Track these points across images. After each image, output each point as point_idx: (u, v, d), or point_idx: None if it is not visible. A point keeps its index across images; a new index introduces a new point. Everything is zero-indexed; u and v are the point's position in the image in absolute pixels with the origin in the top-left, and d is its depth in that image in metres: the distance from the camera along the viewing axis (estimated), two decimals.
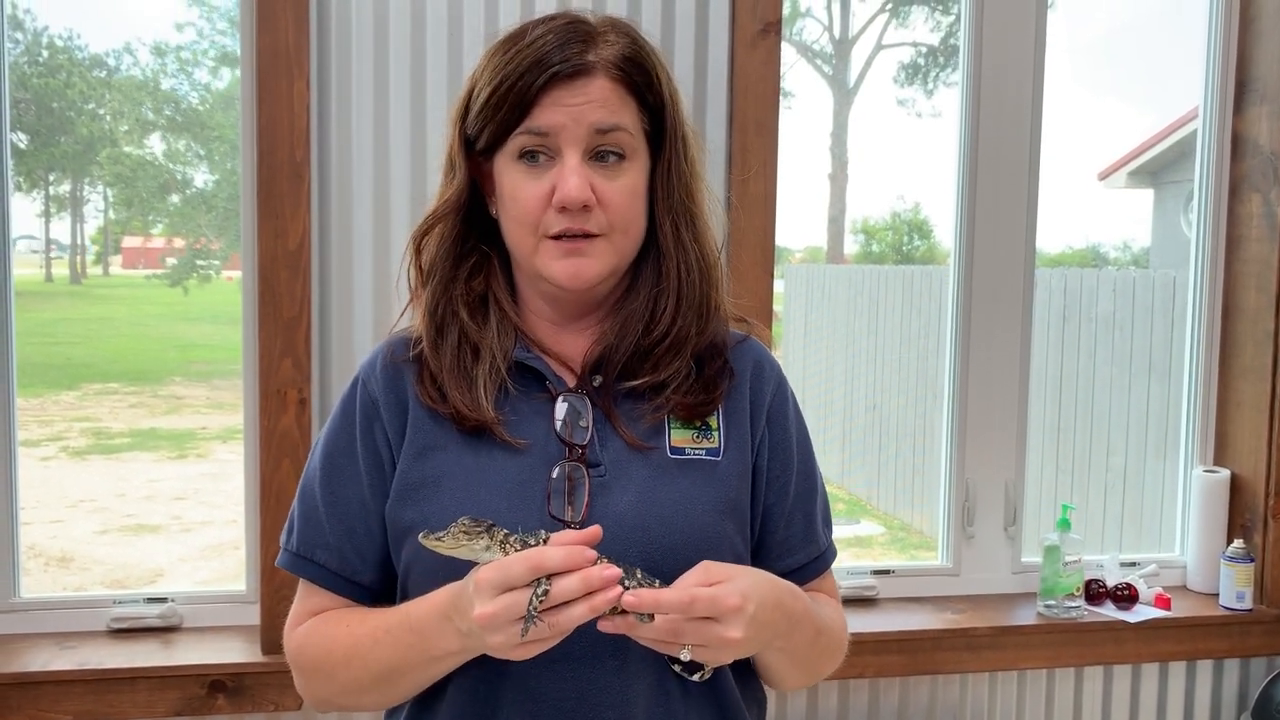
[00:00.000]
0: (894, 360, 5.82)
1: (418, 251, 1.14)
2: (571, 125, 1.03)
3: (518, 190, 1.06)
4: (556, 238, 1.05)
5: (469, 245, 1.13)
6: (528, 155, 1.05)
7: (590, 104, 1.03)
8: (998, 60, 2.32)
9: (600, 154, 1.05)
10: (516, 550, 0.92)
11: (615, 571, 0.91)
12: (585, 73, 1.03)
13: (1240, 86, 2.41)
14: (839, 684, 2.23)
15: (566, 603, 0.89)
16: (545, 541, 0.93)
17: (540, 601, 0.89)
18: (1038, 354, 2.49)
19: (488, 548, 0.94)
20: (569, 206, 1.03)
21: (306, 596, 1.12)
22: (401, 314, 1.19)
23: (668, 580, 0.97)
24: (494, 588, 0.90)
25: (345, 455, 1.11)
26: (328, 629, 1.08)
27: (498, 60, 1.05)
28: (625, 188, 1.06)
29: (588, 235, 1.05)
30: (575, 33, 1.04)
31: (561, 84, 1.03)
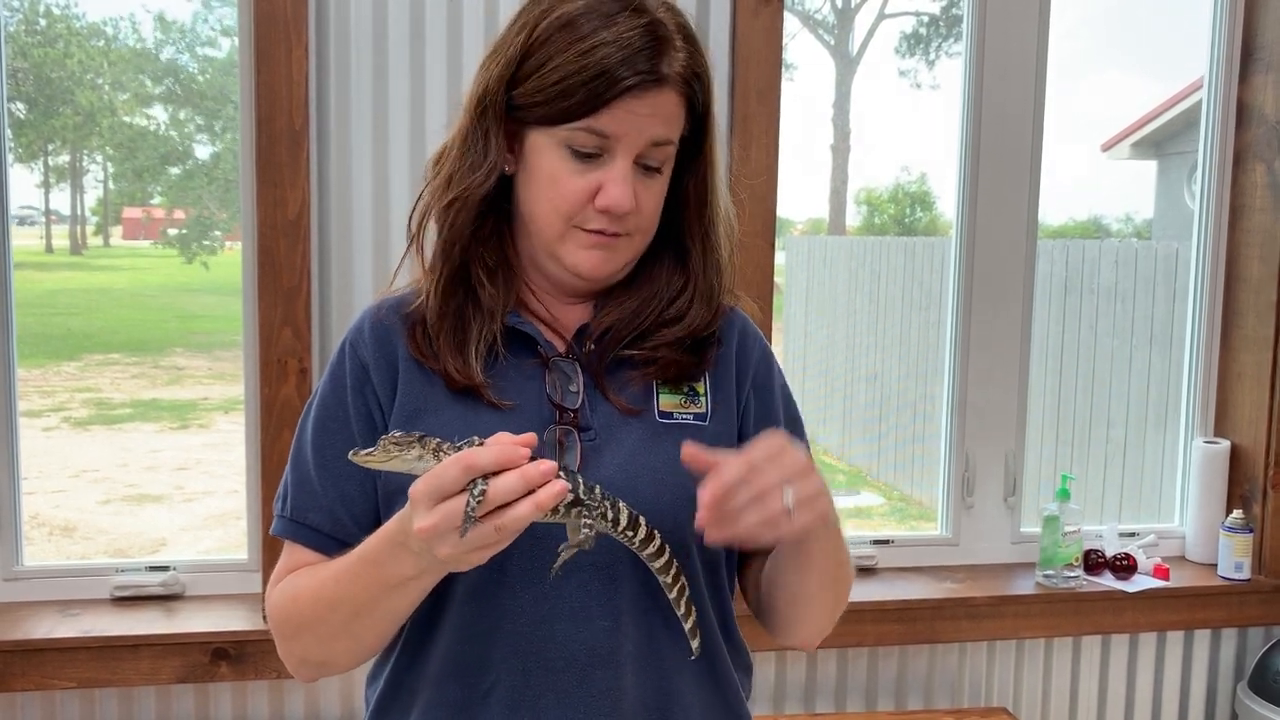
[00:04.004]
0: (895, 332, 5.82)
1: (442, 224, 1.09)
2: (634, 135, 1.03)
3: (561, 179, 1.04)
4: (591, 231, 1.05)
5: (486, 209, 1.11)
6: (581, 153, 1.03)
7: (655, 118, 1.03)
8: (1001, 30, 2.30)
9: (645, 167, 1.05)
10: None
11: (551, 464, 0.88)
12: (658, 85, 1.02)
13: (1246, 54, 2.40)
14: (837, 652, 2.24)
15: (511, 504, 0.87)
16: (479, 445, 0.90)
17: (478, 502, 0.86)
18: (1039, 325, 2.49)
19: (420, 457, 0.90)
20: (614, 212, 1.04)
21: (290, 555, 1.12)
22: (395, 273, 1.18)
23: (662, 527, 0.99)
24: (430, 497, 0.88)
25: (337, 420, 1.11)
26: (297, 580, 1.08)
27: (576, 42, 1.01)
28: (658, 194, 1.08)
29: (618, 234, 1.06)
30: (655, 37, 1.02)
31: (636, 93, 1.01)
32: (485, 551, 0.90)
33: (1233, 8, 2.39)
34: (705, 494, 0.92)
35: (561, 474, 0.91)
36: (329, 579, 1.03)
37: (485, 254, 1.10)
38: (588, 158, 1.03)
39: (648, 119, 1.02)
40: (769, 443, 0.95)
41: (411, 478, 0.91)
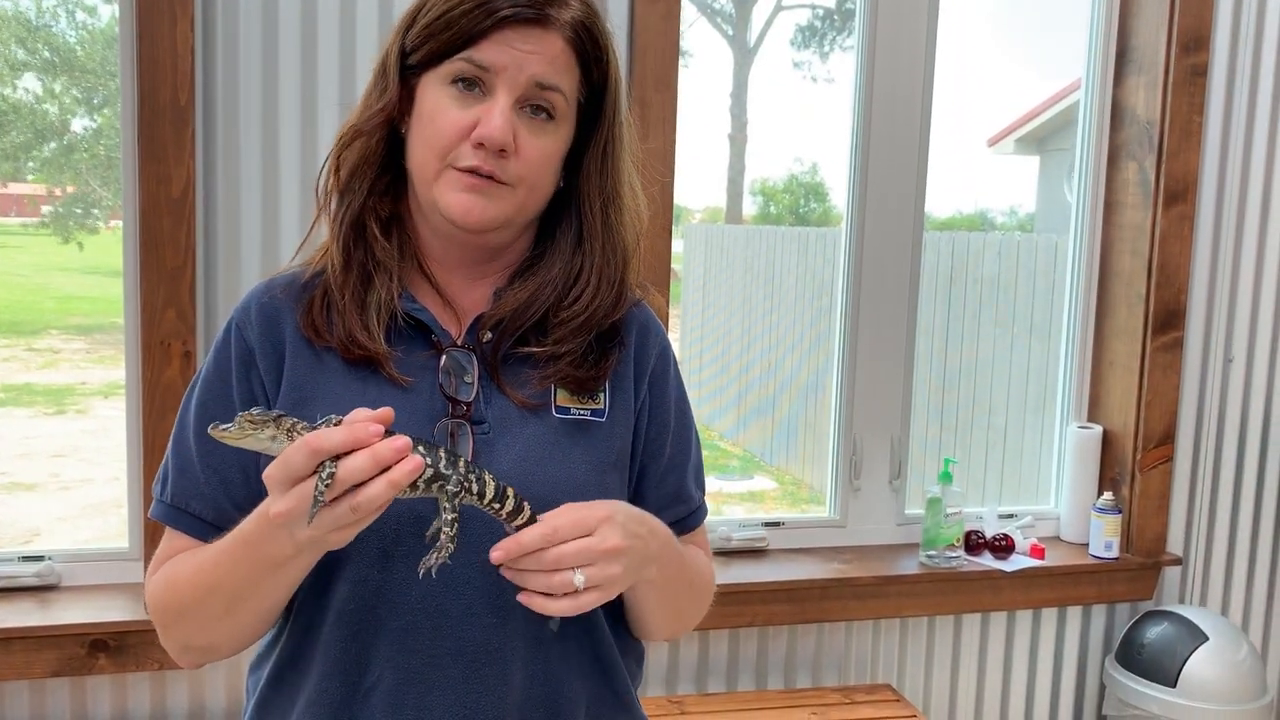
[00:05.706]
0: (789, 320, 5.91)
1: (338, 165, 1.09)
2: (513, 70, 1.02)
3: (439, 113, 1.03)
4: (463, 170, 1.03)
5: (385, 163, 1.10)
6: (461, 81, 1.03)
7: (538, 56, 1.02)
8: (892, 24, 2.36)
9: (533, 107, 1.04)
10: None
11: (405, 441, 0.86)
12: (543, 24, 1.02)
13: (1120, 57, 2.50)
14: (729, 633, 2.28)
15: (365, 483, 0.86)
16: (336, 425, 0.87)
17: (326, 485, 0.84)
18: (925, 314, 2.56)
19: (274, 438, 0.88)
20: (488, 145, 1.02)
21: (170, 542, 1.09)
22: (304, 241, 1.16)
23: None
24: (282, 483, 0.87)
25: (220, 404, 1.07)
26: (176, 566, 1.05)
27: None
28: (545, 147, 1.06)
29: (494, 180, 1.03)
30: None
31: (517, 27, 1.01)
32: (350, 530, 0.88)
33: (1108, 12, 2.49)
34: (496, 552, 0.93)
35: (421, 449, 0.89)
36: (207, 563, 1.00)
37: (378, 206, 1.09)
38: (471, 89, 1.03)
39: (529, 55, 1.02)
40: (578, 516, 0.95)
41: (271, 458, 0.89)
